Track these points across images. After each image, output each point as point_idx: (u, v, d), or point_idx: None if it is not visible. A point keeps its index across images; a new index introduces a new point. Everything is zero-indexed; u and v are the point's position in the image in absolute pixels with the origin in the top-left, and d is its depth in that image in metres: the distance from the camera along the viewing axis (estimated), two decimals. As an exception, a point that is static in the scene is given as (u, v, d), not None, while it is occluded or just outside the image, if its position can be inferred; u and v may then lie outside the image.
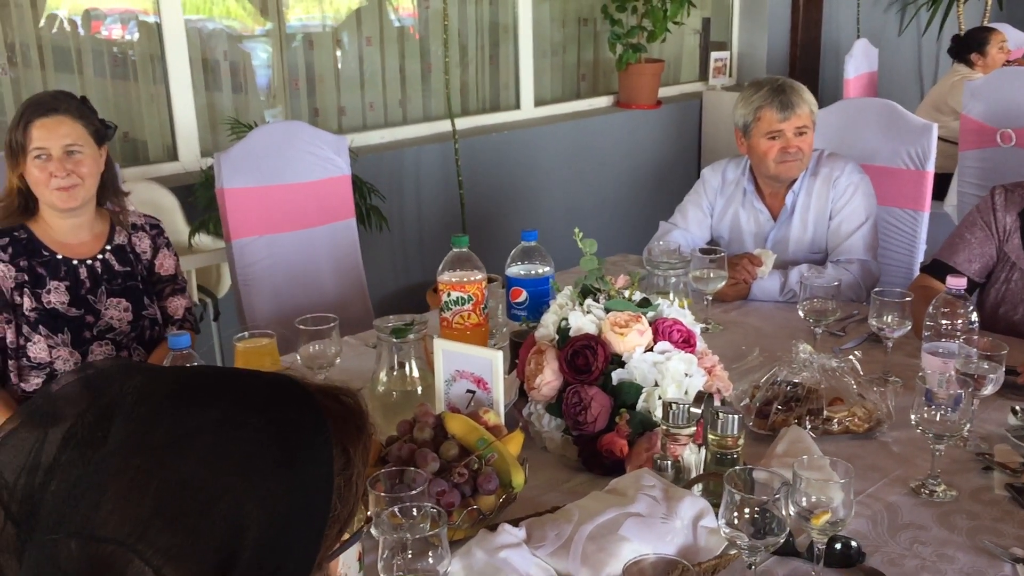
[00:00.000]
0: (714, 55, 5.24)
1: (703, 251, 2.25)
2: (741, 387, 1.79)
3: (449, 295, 1.82)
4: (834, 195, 2.47)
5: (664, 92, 5.01)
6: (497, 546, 1.22)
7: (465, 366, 1.58)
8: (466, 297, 1.81)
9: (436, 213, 4.01)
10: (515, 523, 1.29)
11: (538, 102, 4.58)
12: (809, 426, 1.67)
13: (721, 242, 2.61)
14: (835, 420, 1.68)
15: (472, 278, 1.83)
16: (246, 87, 3.76)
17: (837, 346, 2.07)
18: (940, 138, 4.44)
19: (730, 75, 5.37)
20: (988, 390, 1.61)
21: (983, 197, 2.26)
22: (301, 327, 1.77)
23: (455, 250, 1.85)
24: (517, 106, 4.50)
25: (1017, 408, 1.68)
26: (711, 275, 2.19)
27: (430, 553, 1.15)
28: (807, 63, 5.57)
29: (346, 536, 0.68)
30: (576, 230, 1.70)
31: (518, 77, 4.48)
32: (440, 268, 1.86)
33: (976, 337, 1.73)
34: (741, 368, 1.94)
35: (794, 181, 2.50)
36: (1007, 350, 1.64)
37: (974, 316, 1.75)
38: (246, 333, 1.74)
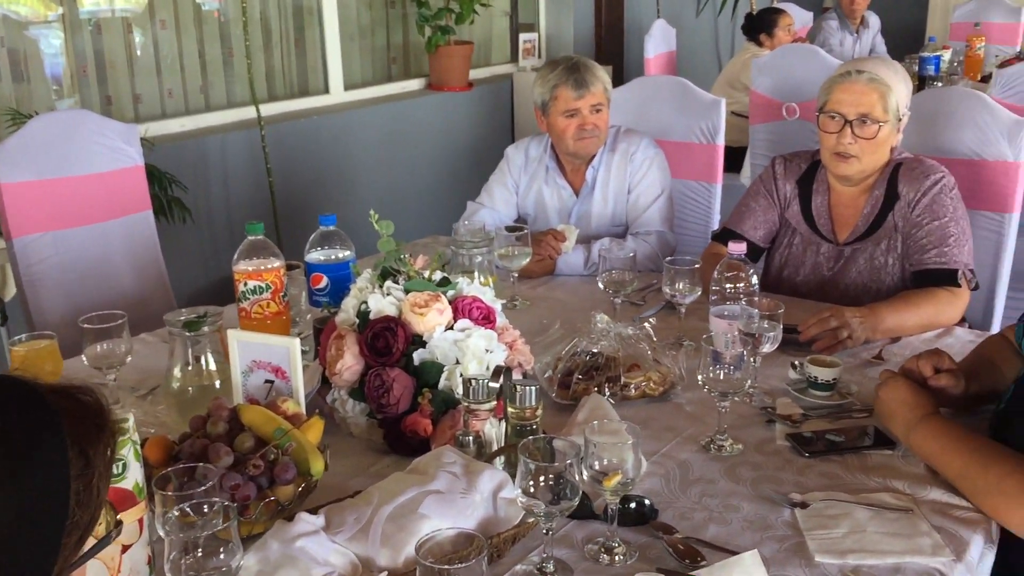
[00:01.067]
0: (523, 37, 5.32)
1: (509, 229, 2.28)
2: (544, 359, 1.83)
3: (246, 284, 1.77)
4: (631, 170, 2.56)
5: (475, 74, 5.05)
6: (293, 535, 1.20)
7: (262, 356, 1.54)
8: (264, 286, 1.77)
9: (245, 202, 3.89)
10: (314, 511, 1.28)
11: (348, 86, 4.51)
12: (608, 393, 1.73)
13: (527, 219, 2.66)
14: (632, 385, 1.75)
15: (269, 266, 1.78)
16: (29, 76, 3.52)
17: (636, 314, 2.15)
18: (735, 113, 4.70)
19: (539, 56, 5.46)
20: (767, 348, 1.71)
21: (765, 167, 2.39)
22: (86, 326, 1.68)
23: (250, 238, 1.80)
24: (326, 90, 4.42)
25: (796, 363, 1.80)
26: (516, 252, 2.23)
27: (221, 549, 1.12)
28: (611, 43, 5.74)
29: (90, 543, 0.64)
30: (372, 212, 1.68)
31: (325, 61, 4.40)
32: (235, 257, 1.80)
33: (757, 298, 1.84)
34: (544, 341, 1.99)
35: (593, 157, 2.58)
36: (783, 309, 1.75)
37: (755, 279, 1.86)
38: (23, 336, 1.63)
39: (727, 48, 7.00)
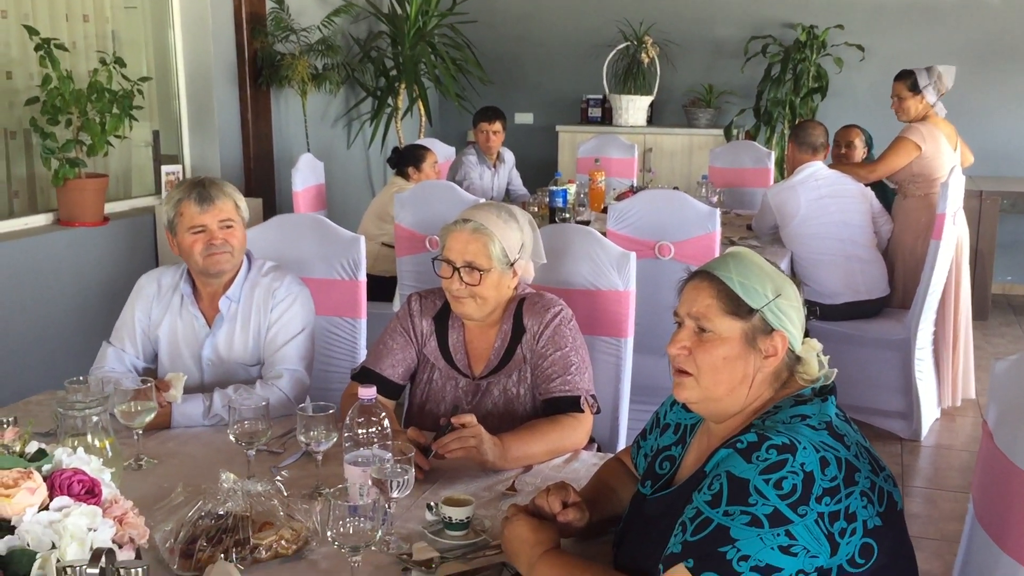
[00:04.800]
0: (165, 168, 5.12)
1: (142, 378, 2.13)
2: (166, 527, 1.68)
3: None
4: (273, 305, 2.50)
5: (114, 207, 4.77)
6: None
7: None
8: None
9: None
10: None
11: (-40, 223, 4.07)
12: (236, 557, 1.62)
13: (160, 351, 2.51)
14: (262, 547, 1.65)
15: None
16: None
17: (274, 465, 2.06)
18: (385, 244, 4.80)
19: (185, 188, 5.28)
20: (396, 493, 1.70)
21: (402, 305, 2.43)
22: None
23: None
24: (-68, 228, 3.96)
25: (431, 504, 1.80)
26: (139, 408, 2.07)
27: None
28: (261, 176, 5.70)
29: None
30: (-55, 383, 1.48)
31: (-69, 196, 3.95)
32: None
33: (390, 442, 1.83)
34: (166, 507, 1.82)
35: (230, 286, 2.49)
36: (413, 452, 1.76)
37: (386, 422, 1.85)
38: None
39: (379, 179, 7.22)
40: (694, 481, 1.50)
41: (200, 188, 2.44)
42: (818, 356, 1.55)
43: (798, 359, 1.55)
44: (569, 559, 1.54)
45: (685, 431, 1.70)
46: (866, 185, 4.64)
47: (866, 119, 5.96)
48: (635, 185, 5.97)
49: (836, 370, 1.56)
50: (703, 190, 5.42)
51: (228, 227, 2.45)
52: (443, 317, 2.38)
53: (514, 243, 2.27)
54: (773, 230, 4.65)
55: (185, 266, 2.53)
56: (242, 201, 2.52)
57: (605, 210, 5.24)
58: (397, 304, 4.30)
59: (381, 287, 4.50)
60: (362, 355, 2.95)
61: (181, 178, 5.23)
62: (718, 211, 3.66)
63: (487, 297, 2.24)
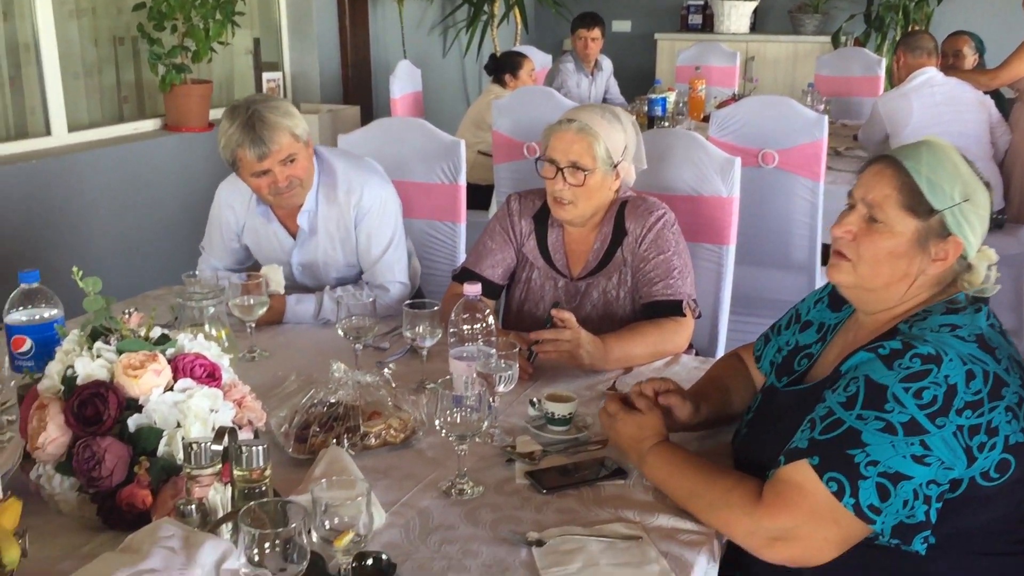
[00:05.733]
0: (266, 75, 5.19)
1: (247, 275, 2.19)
2: (280, 413, 1.76)
3: (-70, 353, 1.57)
4: (358, 215, 2.47)
5: (218, 114, 4.85)
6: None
7: (-54, 434, 1.37)
8: (-48, 353, 1.58)
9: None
10: (6, 608, 1.14)
11: (73, 127, 4.20)
12: (347, 444, 1.68)
13: (253, 254, 2.59)
14: (372, 434, 1.71)
15: (-42, 331, 1.59)
16: None
17: (379, 360, 2.12)
18: (481, 152, 4.79)
19: (285, 95, 5.35)
20: (502, 387, 1.73)
21: (501, 205, 2.44)
22: None
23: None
24: (48, 132, 4.09)
25: (534, 400, 1.82)
26: (252, 302, 2.14)
27: None
28: (359, 83, 5.72)
29: None
30: (75, 269, 1.55)
31: (46, 100, 4.08)
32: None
33: (494, 338, 1.85)
34: (281, 394, 1.91)
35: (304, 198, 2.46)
36: (518, 348, 1.78)
37: (491, 319, 1.87)
38: None
39: (474, 87, 7.18)
40: (828, 380, 1.47)
41: (252, 133, 2.24)
42: (989, 268, 1.47)
43: (969, 267, 1.47)
44: (677, 451, 1.55)
45: (827, 331, 1.66)
46: (985, 93, 4.41)
47: (984, 25, 5.63)
48: (737, 94, 5.80)
49: (1000, 286, 1.47)
50: (809, 99, 5.23)
51: (292, 161, 2.31)
52: (543, 217, 2.37)
53: (618, 144, 2.23)
54: (882, 141, 4.47)
55: None
56: (299, 123, 2.33)
57: (705, 119, 5.12)
58: (494, 211, 4.31)
59: (477, 195, 4.50)
60: (461, 259, 2.97)
61: (281, 85, 5.29)
62: (826, 117, 3.54)
63: (588, 200, 2.22)
